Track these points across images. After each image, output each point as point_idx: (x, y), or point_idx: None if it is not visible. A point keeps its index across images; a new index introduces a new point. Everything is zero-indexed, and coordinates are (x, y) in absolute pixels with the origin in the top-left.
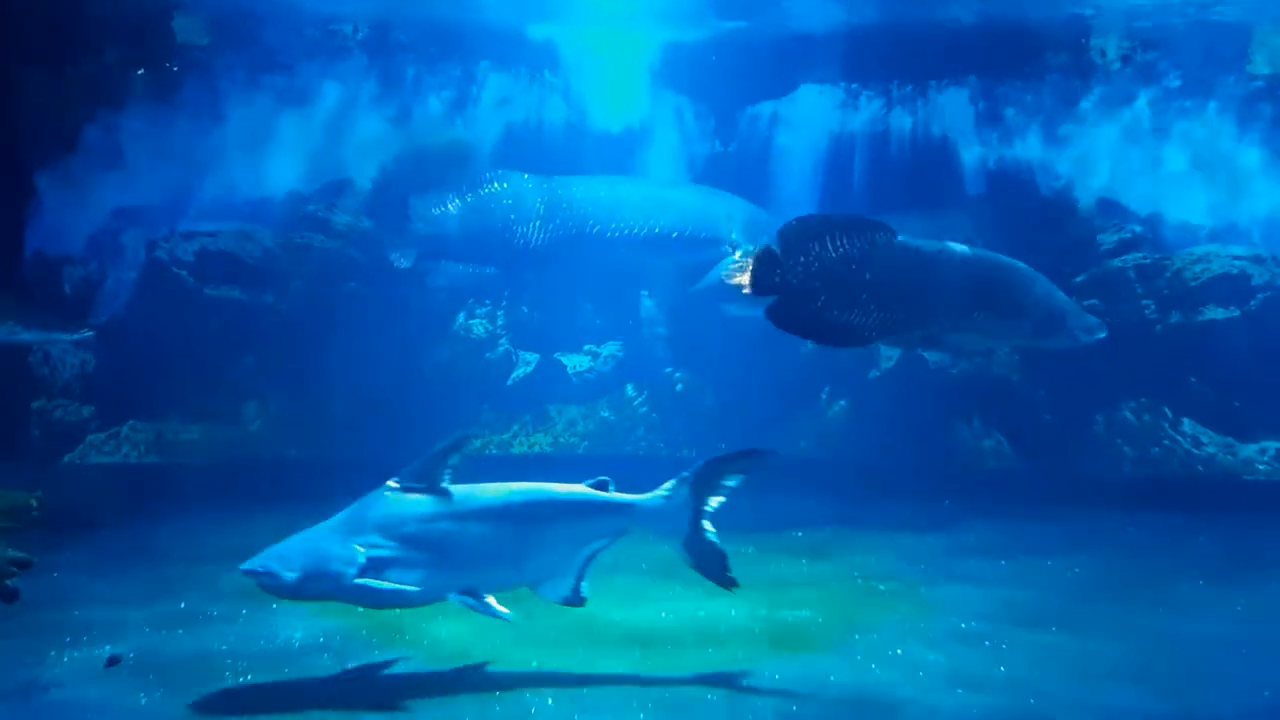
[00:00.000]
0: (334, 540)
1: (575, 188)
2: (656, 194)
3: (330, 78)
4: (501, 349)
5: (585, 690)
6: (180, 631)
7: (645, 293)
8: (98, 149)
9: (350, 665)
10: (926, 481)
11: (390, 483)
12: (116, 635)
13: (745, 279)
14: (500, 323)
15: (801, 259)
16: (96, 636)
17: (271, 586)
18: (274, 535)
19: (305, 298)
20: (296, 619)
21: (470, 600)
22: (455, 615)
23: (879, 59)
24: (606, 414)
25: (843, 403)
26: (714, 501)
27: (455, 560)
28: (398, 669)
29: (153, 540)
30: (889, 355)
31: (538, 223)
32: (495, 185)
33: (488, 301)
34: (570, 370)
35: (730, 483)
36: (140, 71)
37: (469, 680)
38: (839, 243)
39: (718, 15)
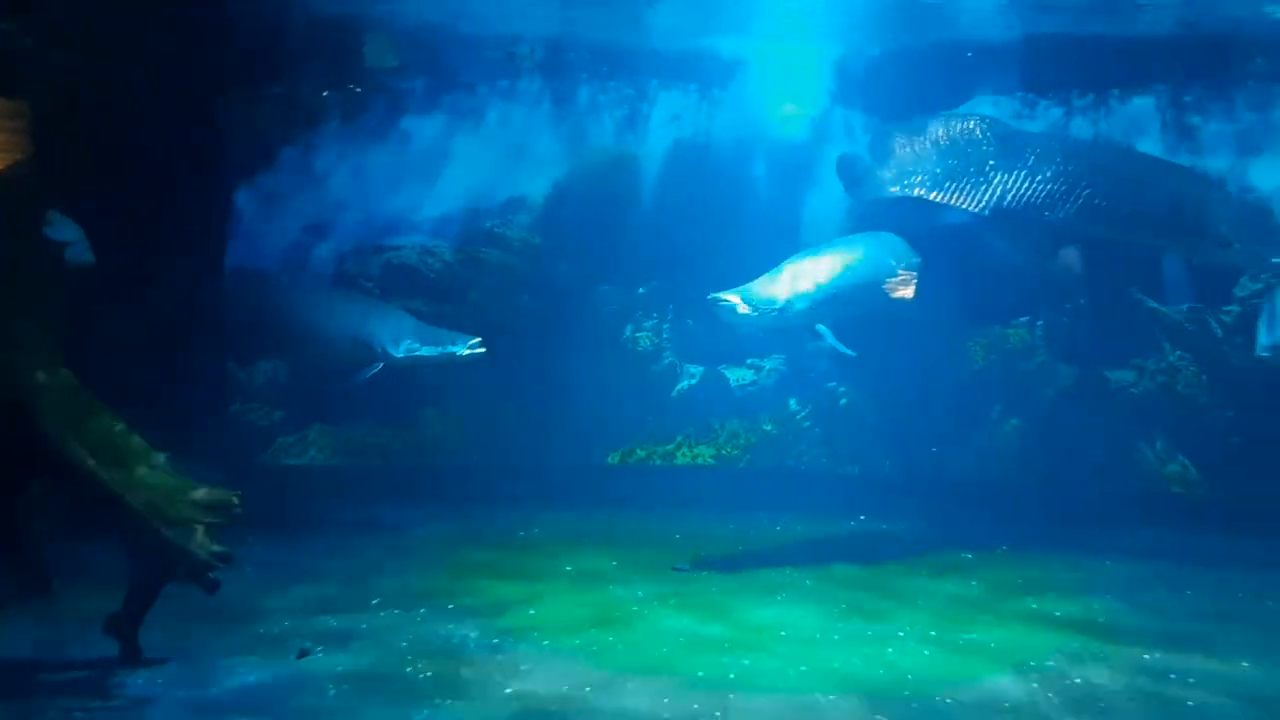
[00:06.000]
0: None
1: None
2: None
3: (506, 98)
4: (666, 361)
5: None
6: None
7: None
8: (292, 168)
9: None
10: (1105, 506)
11: None
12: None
13: None
14: (665, 335)
15: None
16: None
17: None
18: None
19: (480, 309)
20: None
21: None
22: None
23: (1057, 68)
24: (769, 428)
25: (1015, 421)
26: None
27: None
28: None
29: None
30: (1066, 373)
31: (1028, 175)
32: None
33: (654, 314)
34: (733, 383)
35: None
36: (331, 93)
37: None
38: None
39: (889, 30)
